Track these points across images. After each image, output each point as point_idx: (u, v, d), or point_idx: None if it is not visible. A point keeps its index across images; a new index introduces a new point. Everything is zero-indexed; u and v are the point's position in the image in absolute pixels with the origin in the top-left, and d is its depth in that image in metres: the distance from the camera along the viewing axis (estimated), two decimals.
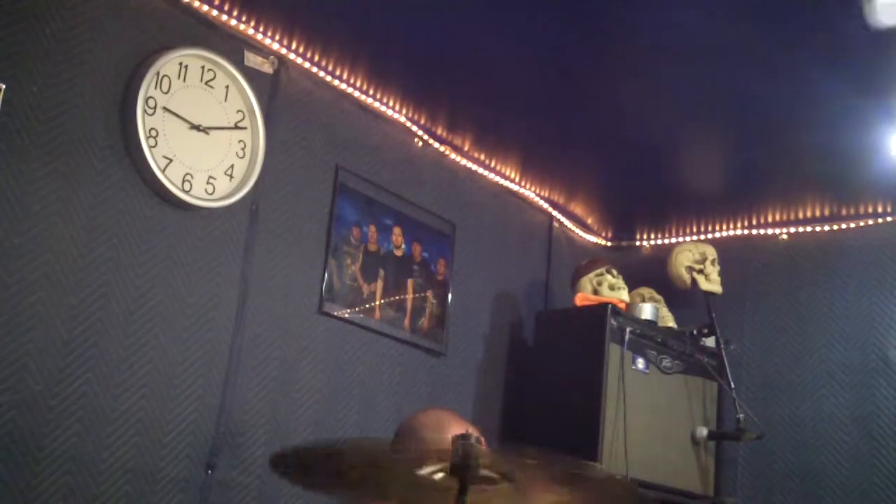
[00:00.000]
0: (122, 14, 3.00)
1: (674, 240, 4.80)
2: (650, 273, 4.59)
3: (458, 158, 4.17)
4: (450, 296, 4.02)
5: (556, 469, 1.91)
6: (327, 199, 3.58)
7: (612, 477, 1.96)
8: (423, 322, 3.89)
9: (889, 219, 4.24)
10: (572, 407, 3.87)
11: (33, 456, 2.67)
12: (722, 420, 4.13)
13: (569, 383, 3.93)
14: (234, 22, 3.30)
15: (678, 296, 4.47)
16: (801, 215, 4.42)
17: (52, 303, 2.76)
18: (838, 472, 4.05)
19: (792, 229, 4.47)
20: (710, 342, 4.18)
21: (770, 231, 4.52)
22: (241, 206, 3.28)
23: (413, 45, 3.43)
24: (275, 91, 3.43)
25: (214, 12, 3.24)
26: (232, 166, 3.24)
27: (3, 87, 2.69)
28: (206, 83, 3.21)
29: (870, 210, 4.29)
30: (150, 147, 2.99)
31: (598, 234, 4.97)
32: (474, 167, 4.24)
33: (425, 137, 4.00)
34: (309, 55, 3.51)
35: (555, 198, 4.63)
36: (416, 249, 3.90)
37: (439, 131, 4.04)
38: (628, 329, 3.93)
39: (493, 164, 4.31)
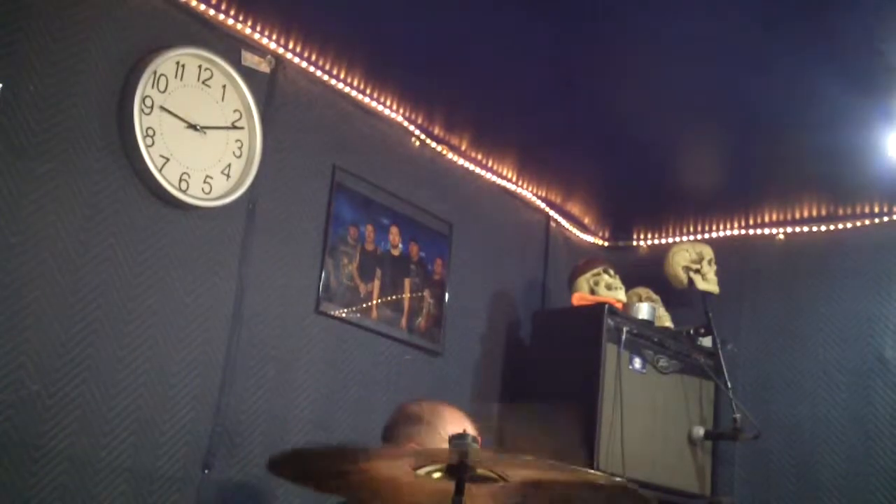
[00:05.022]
0: (119, 13, 3.00)
1: (671, 240, 4.80)
2: (647, 273, 4.58)
3: (456, 158, 4.17)
4: (447, 295, 4.02)
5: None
6: (324, 198, 3.58)
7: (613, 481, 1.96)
8: (420, 322, 3.89)
9: (886, 219, 4.25)
10: (569, 406, 3.86)
11: (30, 456, 2.67)
12: (718, 420, 4.13)
13: (566, 383, 3.93)
14: (231, 21, 3.30)
15: (675, 295, 4.47)
16: (798, 215, 4.43)
17: (49, 302, 2.76)
18: (835, 472, 4.05)
19: (789, 229, 4.47)
20: (706, 342, 4.18)
21: (767, 231, 4.53)
22: (238, 205, 3.28)
23: (410, 44, 3.43)
24: (272, 90, 3.43)
25: (211, 12, 3.24)
26: (229, 166, 3.24)
27: (0, 86, 2.69)
28: (203, 82, 3.20)
29: (867, 210, 4.29)
30: (147, 146, 2.99)
31: (595, 234, 4.97)
32: (471, 167, 4.24)
33: (422, 137, 4.00)
34: (306, 55, 3.51)
35: (552, 197, 4.63)
36: (413, 249, 3.90)
37: (437, 131, 4.03)
38: (625, 329, 3.93)
39: (490, 164, 4.31)
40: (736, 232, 4.62)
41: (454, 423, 2.55)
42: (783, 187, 4.24)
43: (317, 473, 2.04)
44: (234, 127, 3.28)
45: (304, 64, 3.53)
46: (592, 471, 1.93)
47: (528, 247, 4.57)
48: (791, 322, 4.35)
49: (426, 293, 3.93)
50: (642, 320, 4.09)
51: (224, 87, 3.26)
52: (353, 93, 3.71)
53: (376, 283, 3.71)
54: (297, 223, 3.48)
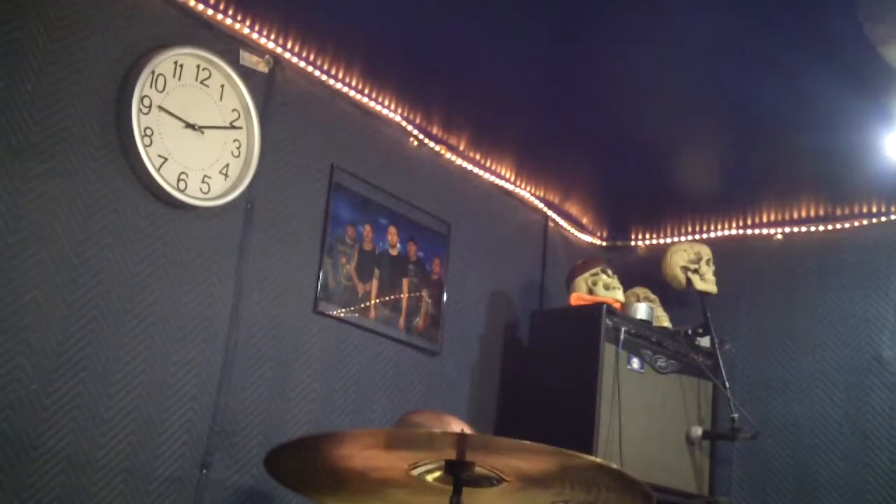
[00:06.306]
0: (117, 13, 3.00)
1: (669, 240, 4.80)
2: (645, 273, 4.59)
3: (454, 158, 4.17)
4: (445, 295, 4.02)
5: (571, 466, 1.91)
6: (322, 198, 3.58)
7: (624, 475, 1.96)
8: (419, 321, 3.89)
9: (884, 219, 4.25)
10: (567, 406, 3.87)
11: (28, 455, 2.67)
12: (717, 420, 4.14)
13: (564, 383, 3.94)
14: (229, 21, 3.30)
15: (673, 296, 4.47)
16: (796, 215, 4.43)
17: (46, 302, 2.75)
18: (832, 472, 4.06)
19: (787, 229, 4.47)
20: (704, 342, 4.18)
21: (765, 231, 4.53)
22: (236, 205, 3.28)
23: (409, 44, 3.43)
24: (270, 90, 3.43)
25: (210, 11, 3.24)
26: (227, 165, 3.24)
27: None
28: (201, 82, 3.20)
29: (864, 210, 4.29)
30: (146, 146, 2.98)
31: (593, 234, 4.97)
32: (470, 167, 4.24)
33: (421, 137, 4.00)
34: (304, 54, 3.51)
35: (550, 197, 4.63)
36: (412, 249, 3.90)
37: (435, 131, 4.03)
38: (623, 329, 3.93)
39: (488, 164, 4.30)
40: (734, 232, 4.62)
41: (455, 428, 2.55)
42: (781, 187, 4.24)
43: (312, 472, 2.03)
44: (232, 127, 3.27)
45: (302, 64, 3.53)
46: (592, 457, 1.92)
47: (526, 247, 4.57)
48: (789, 322, 4.35)
49: (424, 293, 3.93)
50: (640, 320, 4.09)
51: (222, 86, 3.26)
52: (352, 92, 3.71)
53: (374, 282, 3.71)
54: (295, 223, 3.48)
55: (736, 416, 3.89)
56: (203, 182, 3.17)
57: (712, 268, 4.37)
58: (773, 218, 4.50)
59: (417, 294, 3.89)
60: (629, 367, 3.93)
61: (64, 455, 2.74)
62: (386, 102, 3.83)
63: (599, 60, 3.42)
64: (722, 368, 4.05)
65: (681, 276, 4.36)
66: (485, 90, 3.68)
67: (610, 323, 3.91)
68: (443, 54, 3.46)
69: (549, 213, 4.68)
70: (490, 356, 4.25)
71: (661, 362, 4.05)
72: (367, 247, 3.71)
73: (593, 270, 4.29)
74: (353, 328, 3.62)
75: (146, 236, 3.02)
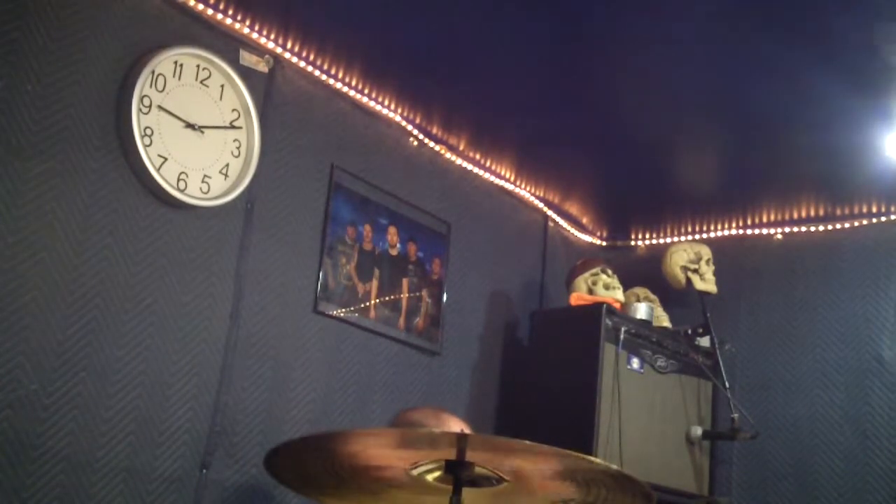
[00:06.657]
0: (117, 12, 3.00)
1: (669, 239, 4.80)
2: (645, 273, 4.59)
3: (454, 158, 4.17)
4: (445, 295, 4.02)
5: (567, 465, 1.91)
6: (322, 198, 3.58)
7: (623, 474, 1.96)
8: (418, 321, 3.88)
9: (884, 219, 4.25)
10: (567, 406, 3.87)
11: (28, 455, 2.67)
12: (716, 419, 4.14)
13: (564, 383, 3.94)
14: (229, 21, 3.30)
15: (673, 295, 4.47)
16: (796, 215, 4.43)
17: (46, 302, 2.75)
18: (832, 472, 4.06)
19: (787, 229, 4.47)
20: (704, 342, 4.18)
21: (765, 231, 4.53)
22: (236, 205, 3.28)
23: (409, 44, 3.43)
24: (270, 90, 3.43)
25: (210, 11, 3.24)
26: (227, 165, 3.24)
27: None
28: (201, 82, 3.20)
29: (864, 210, 4.29)
30: (146, 146, 2.98)
31: (593, 234, 4.97)
32: (469, 167, 4.24)
33: (421, 137, 3.99)
34: (304, 54, 3.51)
35: (550, 197, 4.63)
36: (411, 249, 3.90)
37: (435, 130, 4.03)
38: (623, 329, 3.93)
39: (488, 164, 4.30)
40: (734, 232, 4.62)
41: (454, 427, 2.55)
42: (781, 187, 4.24)
43: (312, 472, 2.03)
44: (232, 126, 3.27)
45: (302, 63, 3.53)
46: (591, 457, 1.92)
47: (526, 246, 4.57)
48: (789, 322, 4.35)
49: (424, 293, 3.93)
50: (640, 320, 4.09)
51: (222, 86, 3.26)
52: (352, 92, 3.71)
53: (374, 282, 3.71)
54: (295, 223, 3.48)
55: (736, 416, 3.89)
56: (203, 182, 3.16)
57: (712, 268, 4.37)
58: (773, 218, 4.50)
59: (417, 294, 3.89)
60: (629, 367, 3.94)
61: (64, 455, 2.74)
62: (386, 102, 3.83)
63: (599, 60, 3.42)
64: (722, 368, 4.05)
65: (681, 276, 4.36)
66: (485, 90, 3.68)
67: (610, 323, 3.91)
68: (443, 54, 3.46)
69: (549, 212, 4.68)
70: (490, 356, 4.25)
71: (661, 362, 4.05)
72: (367, 247, 3.71)
73: (593, 270, 4.29)
74: (353, 328, 3.62)
75: (146, 236, 3.02)
